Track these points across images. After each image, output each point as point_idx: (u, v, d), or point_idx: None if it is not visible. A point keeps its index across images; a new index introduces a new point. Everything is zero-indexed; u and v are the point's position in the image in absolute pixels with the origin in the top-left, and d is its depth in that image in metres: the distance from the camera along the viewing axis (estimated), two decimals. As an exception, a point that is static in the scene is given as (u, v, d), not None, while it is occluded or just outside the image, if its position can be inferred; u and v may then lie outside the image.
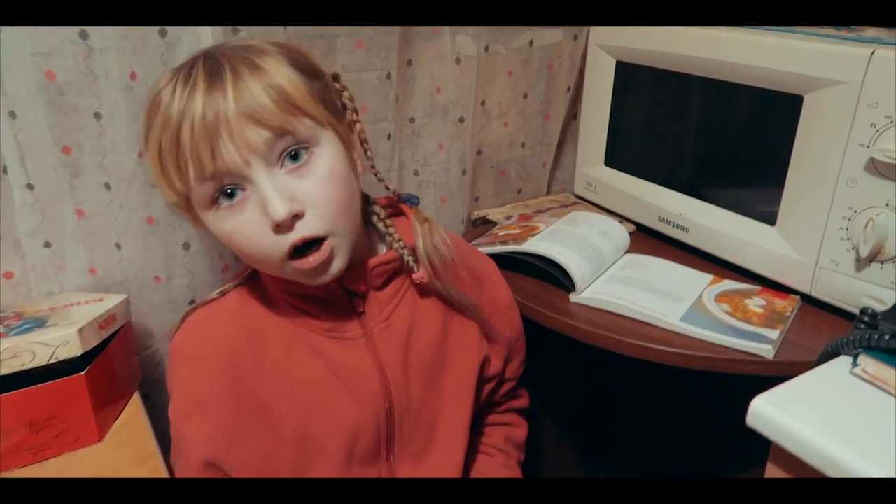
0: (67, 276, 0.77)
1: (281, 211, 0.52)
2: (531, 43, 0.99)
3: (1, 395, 0.62)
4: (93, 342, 0.67)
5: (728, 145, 0.87)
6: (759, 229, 0.82)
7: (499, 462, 0.78)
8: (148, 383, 0.85)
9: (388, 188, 0.69)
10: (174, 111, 0.52)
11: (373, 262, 0.64)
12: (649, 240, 0.96)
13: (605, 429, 1.22)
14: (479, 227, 1.04)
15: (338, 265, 0.58)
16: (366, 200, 0.67)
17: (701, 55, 0.85)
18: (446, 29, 0.90)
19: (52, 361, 0.64)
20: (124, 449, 0.68)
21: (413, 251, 0.65)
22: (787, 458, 0.51)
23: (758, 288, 0.82)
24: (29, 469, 0.65)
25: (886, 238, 0.68)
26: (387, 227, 0.66)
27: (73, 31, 0.66)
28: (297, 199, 0.53)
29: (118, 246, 0.77)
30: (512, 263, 0.84)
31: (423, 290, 0.68)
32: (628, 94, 0.99)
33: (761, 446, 0.53)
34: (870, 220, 0.68)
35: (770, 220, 0.81)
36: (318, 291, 0.61)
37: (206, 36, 0.71)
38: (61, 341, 0.64)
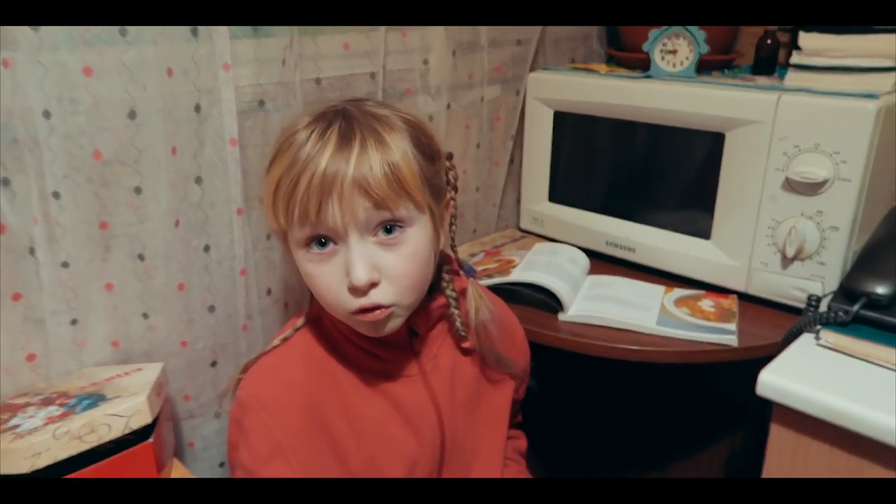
0: (87, 352, 0.77)
1: (362, 278, 0.58)
2: (482, 98, 1.12)
3: (78, 471, 0.62)
4: (157, 409, 0.69)
5: (662, 177, 1.04)
6: (697, 244, 1.00)
7: (514, 470, 0.87)
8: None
9: (455, 258, 0.75)
10: (301, 157, 0.57)
11: (433, 305, 0.70)
12: (600, 263, 1.11)
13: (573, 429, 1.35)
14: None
15: (393, 326, 0.64)
16: (440, 262, 0.72)
17: (634, 104, 1.02)
18: (417, 88, 1.00)
19: (126, 432, 0.65)
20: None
21: (462, 317, 0.72)
22: (790, 417, 0.66)
23: (703, 292, 0.99)
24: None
25: (805, 240, 0.87)
26: (453, 293, 0.71)
27: (123, 111, 0.69)
28: (378, 269, 0.60)
29: (145, 315, 0.78)
30: (502, 293, 0.95)
31: (464, 352, 0.75)
32: (566, 139, 1.15)
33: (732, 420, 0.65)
34: (792, 227, 0.87)
35: (705, 235, 0.99)
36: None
37: (228, 112, 0.76)
38: (133, 411, 0.65)
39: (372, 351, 0.69)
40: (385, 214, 0.59)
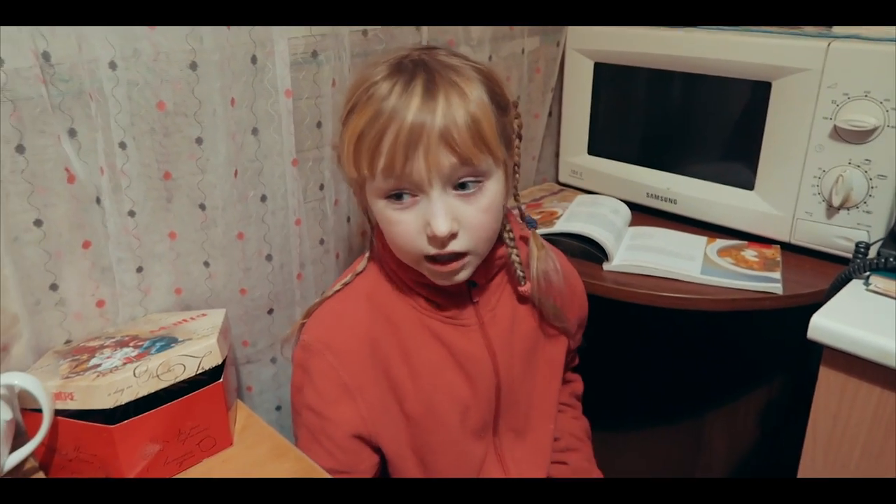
0: (151, 299, 0.80)
1: (444, 229, 0.60)
2: (522, 50, 1.11)
3: (154, 410, 0.66)
4: (225, 351, 0.72)
5: (705, 127, 1.04)
6: (740, 194, 1.00)
7: (569, 416, 0.90)
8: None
9: (518, 207, 0.76)
10: (386, 109, 0.58)
11: (493, 256, 0.71)
12: (641, 215, 1.11)
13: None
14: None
15: (464, 276, 0.67)
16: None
17: (675, 53, 1.02)
18: (459, 40, 1.00)
19: (198, 372, 0.68)
20: (258, 448, 0.73)
21: (523, 264, 0.73)
22: (840, 360, 0.67)
23: (745, 242, 0.99)
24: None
25: (852, 189, 0.87)
26: (512, 241, 0.73)
27: (185, 62, 0.70)
28: (457, 220, 0.62)
29: (206, 264, 0.80)
30: (546, 244, 0.96)
31: (520, 298, 0.76)
32: (606, 91, 1.14)
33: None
34: (839, 176, 0.87)
35: (748, 185, 0.99)
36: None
37: (282, 63, 0.77)
38: (206, 352, 0.68)
39: (431, 298, 0.71)
40: (467, 170, 0.60)
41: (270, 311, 0.88)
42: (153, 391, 0.65)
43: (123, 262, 0.76)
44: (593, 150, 1.19)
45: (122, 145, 0.70)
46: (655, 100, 1.09)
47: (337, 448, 0.70)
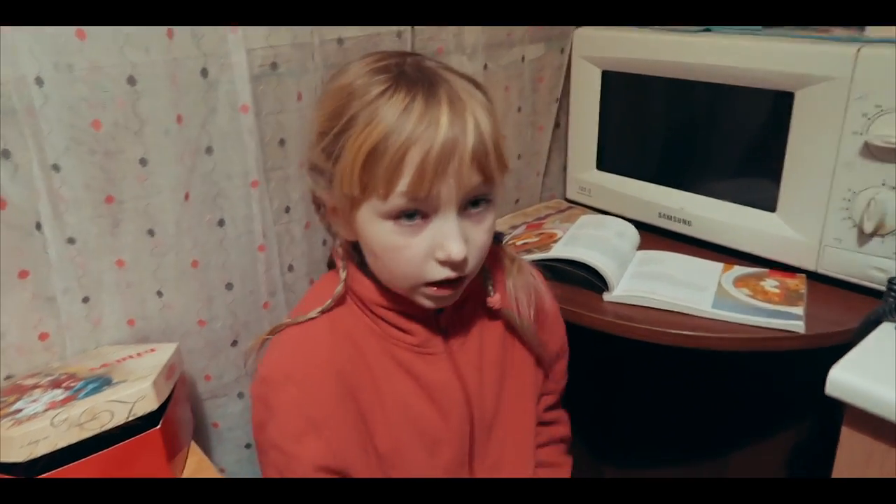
0: (103, 330, 0.74)
1: (460, 253, 0.56)
2: (523, 58, 1.03)
3: (81, 460, 0.59)
4: (165, 394, 0.65)
5: (723, 142, 0.94)
6: (761, 216, 0.90)
7: (548, 467, 0.81)
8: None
9: None
10: (409, 127, 0.53)
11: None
12: (652, 236, 1.02)
13: (617, 417, 1.28)
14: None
15: (454, 299, 0.63)
16: None
17: (689, 60, 0.92)
18: (450, 48, 0.92)
19: (130, 419, 0.61)
20: None
21: (490, 276, 0.69)
22: (865, 420, 0.57)
23: (766, 270, 0.89)
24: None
25: (885, 213, 0.76)
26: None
27: (122, 76, 0.64)
28: (468, 242, 0.58)
29: (160, 294, 0.74)
30: (541, 270, 0.88)
31: (489, 310, 0.71)
32: (616, 101, 1.05)
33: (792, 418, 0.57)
34: (871, 199, 0.76)
35: (770, 206, 0.88)
36: (412, 308, 0.64)
37: (242, 71, 0.71)
38: (138, 397, 0.62)
39: (399, 325, 0.65)
40: (486, 189, 0.58)
41: (234, 343, 0.81)
42: (76, 441, 0.59)
43: (69, 292, 0.70)
44: (602, 165, 1.10)
45: (56, 167, 0.64)
46: (668, 111, 1.00)
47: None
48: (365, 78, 0.57)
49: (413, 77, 0.56)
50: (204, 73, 0.69)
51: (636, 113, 1.04)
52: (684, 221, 0.98)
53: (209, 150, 0.72)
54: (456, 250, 0.56)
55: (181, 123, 0.68)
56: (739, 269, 0.90)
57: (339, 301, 0.66)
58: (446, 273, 0.58)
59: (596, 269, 0.85)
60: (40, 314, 0.70)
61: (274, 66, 0.73)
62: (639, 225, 1.04)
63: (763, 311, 0.79)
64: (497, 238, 0.74)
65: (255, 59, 0.72)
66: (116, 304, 0.73)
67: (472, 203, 0.58)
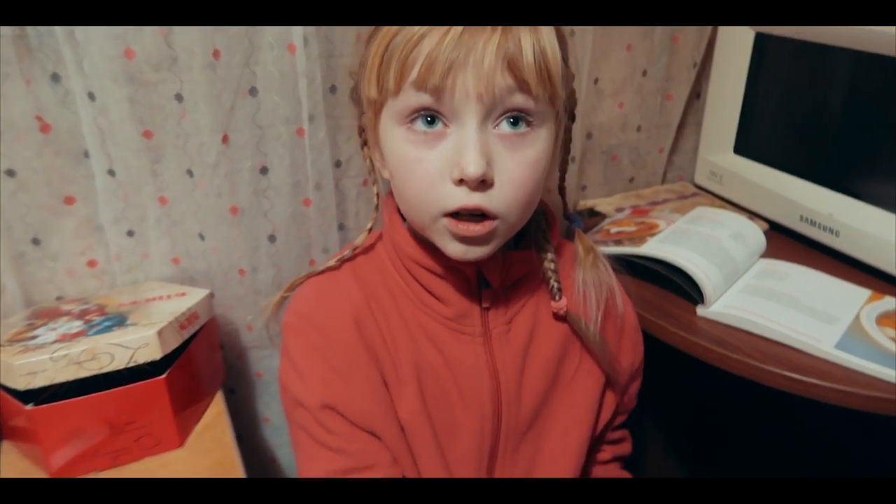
0: (152, 264, 0.73)
1: (475, 169, 0.46)
2: (656, 11, 0.86)
3: (80, 397, 0.59)
4: (173, 344, 0.62)
5: (889, 132, 0.73)
6: (935, 238, 0.69)
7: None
8: (233, 376, 0.81)
9: (564, 200, 0.63)
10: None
11: (515, 256, 0.57)
12: (787, 242, 0.83)
13: (715, 446, 1.11)
14: (586, 219, 0.93)
15: (485, 251, 0.52)
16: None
17: (875, 28, 0.71)
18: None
19: (130, 365, 0.59)
20: (206, 457, 0.64)
21: (558, 272, 0.59)
22: None
23: (930, 309, 0.68)
24: (108, 473, 0.62)
25: None
26: (546, 239, 0.60)
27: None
28: (492, 165, 0.48)
29: (201, 236, 0.72)
30: (628, 267, 0.74)
31: (555, 317, 0.60)
32: (767, 71, 0.86)
33: None
34: None
35: (951, 227, 0.67)
36: (450, 273, 0.56)
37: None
38: (140, 343, 0.60)
39: (432, 290, 0.57)
40: (522, 99, 0.48)
41: (278, 297, 0.77)
42: (74, 378, 0.58)
43: (116, 222, 0.69)
44: (741, 148, 0.91)
45: (91, 96, 0.62)
46: (837, 91, 0.79)
47: (343, 440, 0.57)
48: None
49: None
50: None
51: (793, 89, 0.84)
52: (831, 230, 0.78)
53: (253, 91, 0.66)
54: (472, 164, 0.46)
55: (218, 59, 0.63)
56: (892, 303, 0.70)
57: (365, 251, 0.60)
58: (463, 200, 0.48)
59: (691, 275, 0.70)
60: (89, 241, 0.70)
61: (328, 0, 0.65)
62: (774, 226, 0.86)
63: (906, 363, 0.60)
64: (575, 220, 0.64)
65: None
66: (163, 241, 0.72)
67: (510, 121, 0.48)
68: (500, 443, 0.60)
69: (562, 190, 0.63)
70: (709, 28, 0.91)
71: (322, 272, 0.60)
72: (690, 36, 0.91)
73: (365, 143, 0.58)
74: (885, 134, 0.74)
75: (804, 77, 0.82)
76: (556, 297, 0.59)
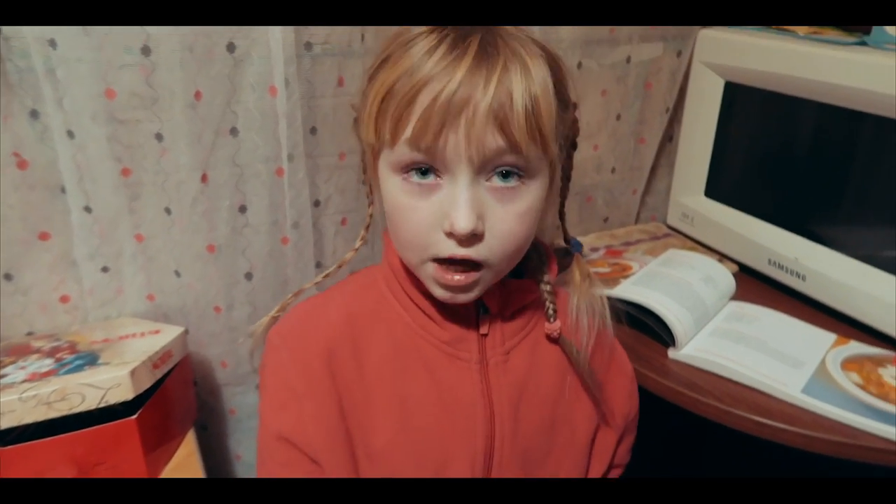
0: (126, 300, 0.73)
1: (465, 224, 0.47)
2: (628, 59, 0.89)
3: (49, 438, 0.58)
4: (146, 384, 0.62)
5: (853, 181, 0.76)
6: (894, 282, 0.71)
7: None
8: (205, 412, 0.80)
9: (563, 227, 0.64)
10: (426, 66, 0.47)
11: (515, 284, 0.57)
12: (756, 284, 0.86)
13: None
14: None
15: (470, 296, 0.53)
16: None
17: (822, 79, 0.74)
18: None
19: (102, 405, 0.59)
20: (174, 499, 0.63)
21: (555, 297, 0.59)
22: None
23: (891, 354, 0.70)
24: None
25: None
26: (544, 271, 0.60)
27: (136, 45, 0.61)
28: (483, 219, 0.49)
29: (177, 273, 0.72)
30: (602, 308, 0.75)
31: (548, 339, 0.61)
32: (736, 119, 0.89)
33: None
34: None
35: (911, 274, 0.70)
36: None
37: (276, 49, 0.65)
38: (112, 384, 0.59)
39: (429, 312, 0.57)
40: (511, 157, 0.49)
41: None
42: (44, 419, 0.57)
43: (90, 258, 0.69)
44: (712, 191, 0.94)
45: (70, 134, 0.62)
46: (803, 140, 0.82)
47: (291, 472, 0.56)
48: (412, 29, 0.50)
49: (460, 31, 0.49)
50: (230, 47, 0.64)
51: (760, 136, 0.87)
52: (797, 274, 0.81)
53: (234, 132, 0.67)
54: (458, 219, 0.47)
55: (199, 100, 0.64)
56: (856, 347, 0.72)
57: (363, 284, 0.60)
58: (452, 249, 0.49)
59: (663, 318, 0.71)
60: (62, 276, 0.69)
61: (308, 46, 0.66)
62: (743, 269, 0.88)
63: (871, 409, 0.62)
64: (575, 245, 0.64)
65: (289, 37, 0.65)
66: (138, 277, 0.71)
67: (500, 175, 0.49)
68: (492, 477, 0.59)
69: (562, 215, 0.63)
70: (681, 74, 0.94)
71: (317, 295, 0.60)
72: (663, 82, 0.94)
73: (365, 171, 0.59)
74: (848, 182, 0.77)
75: (772, 126, 0.85)
76: (552, 320, 0.59)
